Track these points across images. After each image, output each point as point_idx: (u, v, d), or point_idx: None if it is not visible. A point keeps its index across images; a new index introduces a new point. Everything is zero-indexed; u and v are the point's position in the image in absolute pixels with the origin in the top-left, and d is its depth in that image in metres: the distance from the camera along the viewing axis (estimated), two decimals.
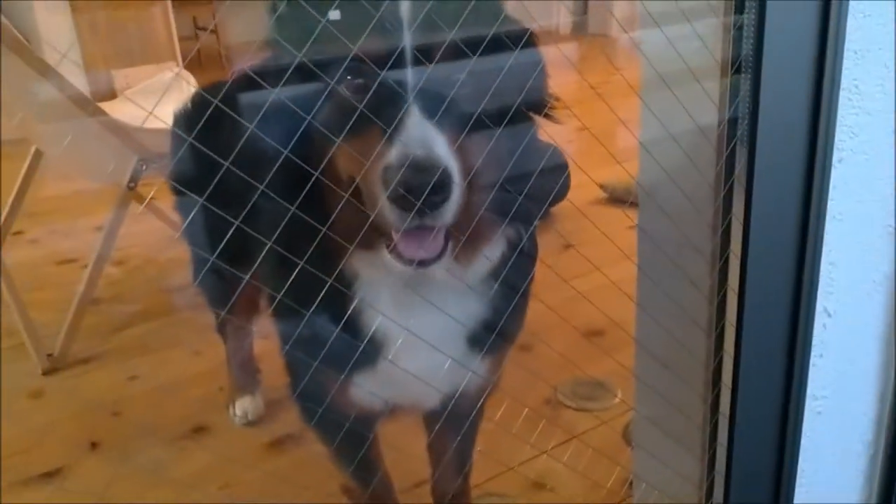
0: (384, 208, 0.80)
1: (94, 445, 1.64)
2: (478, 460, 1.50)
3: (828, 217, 0.93)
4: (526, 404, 1.64)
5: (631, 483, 1.34)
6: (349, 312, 0.97)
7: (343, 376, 1.02)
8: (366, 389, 1.05)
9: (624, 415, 1.63)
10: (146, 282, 2.38)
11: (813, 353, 0.99)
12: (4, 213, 2.28)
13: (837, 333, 1.01)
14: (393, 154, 0.78)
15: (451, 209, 0.81)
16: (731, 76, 0.90)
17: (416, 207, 0.77)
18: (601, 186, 2.70)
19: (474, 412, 1.19)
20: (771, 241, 0.91)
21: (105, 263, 1.99)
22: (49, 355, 1.92)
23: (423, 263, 0.87)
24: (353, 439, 1.18)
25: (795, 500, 1.06)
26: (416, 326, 0.96)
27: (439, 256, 0.88)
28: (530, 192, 0.94)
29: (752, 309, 0.92)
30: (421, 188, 0.76)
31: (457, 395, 1.08)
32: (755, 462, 1.01)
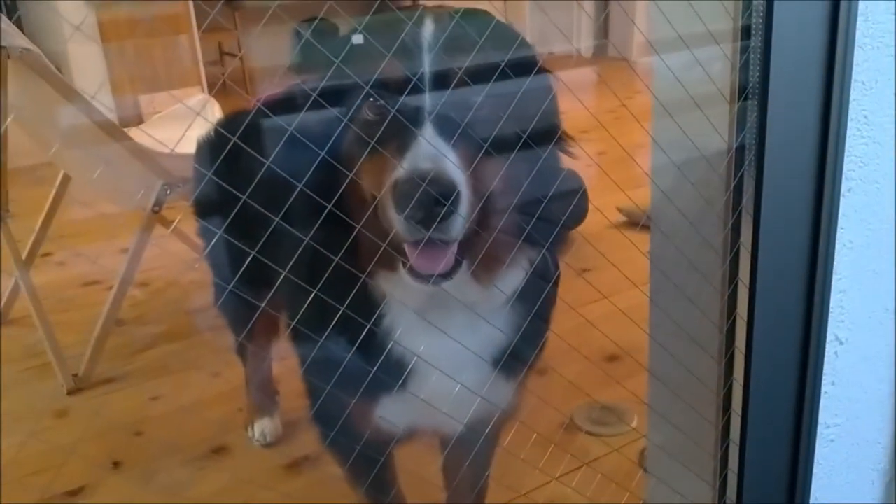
0: (396, 222, 0.82)
1: (116, 465, 1.67)
2: (491, 486, 1.51)
3: (838, 245, 0.94)
4: (541, 429, 1.66)
5: None
6: (371, 336, 0.99)
7: (364, 400, 1.04)
8: (386, 413, 1.07)
9: (640, 440, 1.63)
10: (169, 304, 2.42)
11: (825, 381, 1.00)
12: (33, 237, 2.33)
13: (849, 361, 1.02)
14: (402, 169, 0.81)
15: (458, 223, 0.83)
16: (739, 104, 0.91)
17: (423, 218, 0.80)
18: (619, 210, 2.71)
19: (491, 435, 1.21)
20: (780, 269, 0.92)
21: (129, 286, 2.02)
22: (74, 375, 1.95)
23: (436, 279, 0.89)
24: (368, 460, 1.19)
25: None
26: (437, 350, 0.99)
27: (451, 272, 0.89)
28: (544, 214, 0.95)
29: (762, 336, 0.93)
30: (426, 199, 0.78)
31: (476, 419, 1.09)
32: (767, 488, 1.01)
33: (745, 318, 0.94)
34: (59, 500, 1.57)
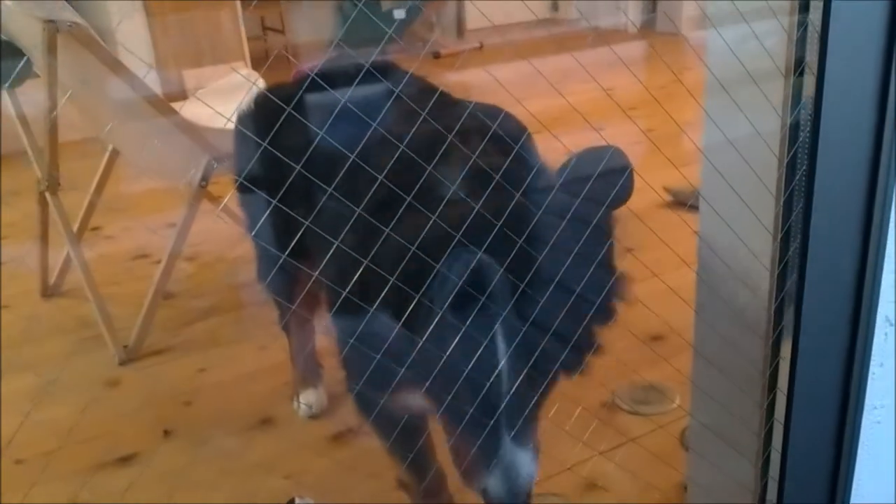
0: None
1: (166, 433, 1.72)
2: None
3: (892, 225, 0.93)
4: (583, 407, 1.67)
5: (685, 487, 1.34)
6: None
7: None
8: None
9: (682, 419, 1.63)
10: (217, 278, 2.46)
11: (873, 363, 0.99)
12: (83, 210, 2.39)
13: None
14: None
15: None
16: (795, 79, 0.90)
17: None
18: (666, 190, 2.68)
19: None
20: (832, 248, 0.91)
21: (177, 259, 2.06)
22: (125, 346, 2.01)
23: None
24: (408, 435, 1.22)
25: None
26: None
27: None
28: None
29: (811, 316, 0.93)
30: None
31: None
32: (810, 468, 1.01)
33: (794, 298, 0.94)
34: (112, 465, 1.63)
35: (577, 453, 1.48)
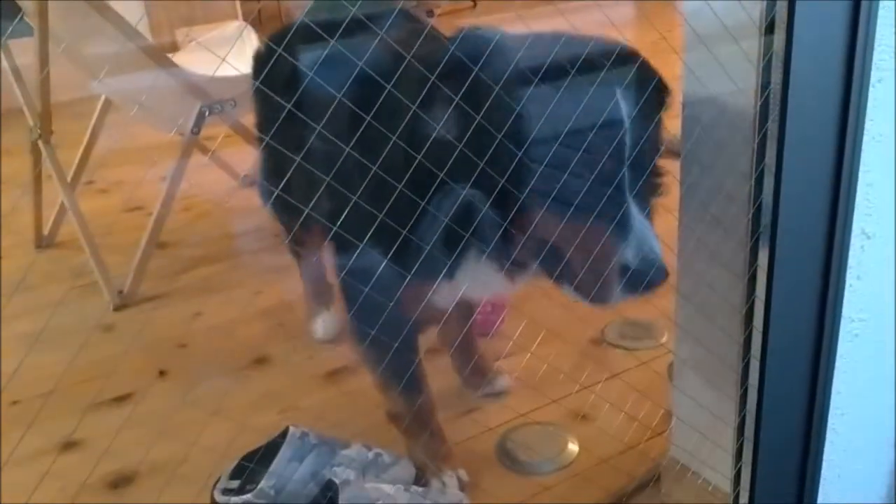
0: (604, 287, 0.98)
1: (162, 373, 1.74)
2: (523, 392, 1.56)
3: (866, 137, 0.94)
4: (573, 343, 1.70)
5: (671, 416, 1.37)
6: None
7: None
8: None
9: (668, 354, 1.66)
10: (210, 227, 2.48)
11: (850, 275, 1.01)
12: (75, 164, 2.39)
13: (876, 256, 1.03)
14: (628, 251, 0.97)
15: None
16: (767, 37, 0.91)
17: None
18: None
19: None
20: (806, 159, 0.93)
21: (170, 207, 2.08)
22: (119, 292, 2.03)
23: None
24: (401, 360, 1.25)
25: (829, 423, 1.09)
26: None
27: None
28: None
29: (786, 229, 0.95)
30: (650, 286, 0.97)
31: None
32: (787, 389, 1.03)
33: (769, 235, 0.96)
34: (108, 405, 1.65)
35: (564, 387, 1.51)
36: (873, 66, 0.91)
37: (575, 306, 1.61)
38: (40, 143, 2.11)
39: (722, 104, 1.02)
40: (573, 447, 1.44)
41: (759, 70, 0.93)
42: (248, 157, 2.61)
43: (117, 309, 2.01)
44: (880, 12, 0.89)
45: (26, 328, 1.90)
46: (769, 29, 0.90)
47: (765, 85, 0.93)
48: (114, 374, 1.76)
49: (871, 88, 0.92)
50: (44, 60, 1.99)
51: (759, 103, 0.93)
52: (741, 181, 1.00)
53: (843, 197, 0.96)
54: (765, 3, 0.90)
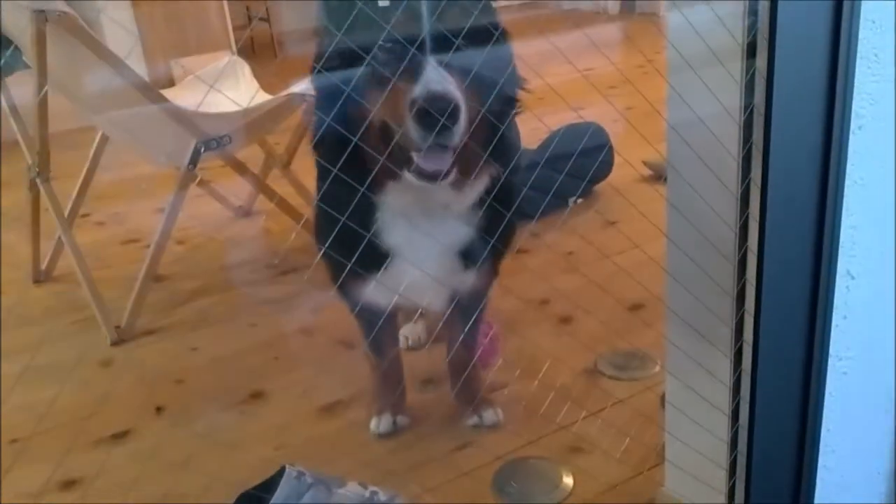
0: (410, 131, 1.08)
1: (159, 409, 1.75)
2: (517, 425, 1.57)
3: (848, 182, 0.96)
4: (566, 374, 1.71)
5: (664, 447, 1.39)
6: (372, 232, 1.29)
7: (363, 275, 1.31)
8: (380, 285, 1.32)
9: (662, 384, 1.68)
10: (206, 260, 2.50)
11: (836, 315, 1.03)
12: (73, 197, 2.41)
13: (861, 296, 1.05)
14: (418, 89, 1.06)
15: (459, 132, 1.10)
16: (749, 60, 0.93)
17: (434, 125, 1.05)
18: (645, 163, 2.72)
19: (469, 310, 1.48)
20: (791, 204, 0.95)
21: (167, 241, 2.10)
22: (117, 327, 2.04)
23: (436, 177, 1.16)
24: (376, 311, 1.42)
25: (820, 460, 1.10)
26: (418, 244, 1.31)
27: (448, 173, 1.16)
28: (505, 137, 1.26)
29: (773, 270, 0.97)
30: (439, 111, 1.05)
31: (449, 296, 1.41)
32: (778, 415, 1.05)
33: (756, 252, 0.98)
34: (107, 442, 1.66)
35: (561, 418, 1.53)
36: (853, 114, 0.93)
37: (566, 337, 1.63)
38: (38, 180, 2.12)
39: (708, 125, 1.03)
40: (568, 481, 1.45)
41: (741, 105, 0.95)
42: (241, 189, 2.63)
43: (115, 344, 2.02)
44: (858, 61, 0.91)
45: (24, 365, 1.91)
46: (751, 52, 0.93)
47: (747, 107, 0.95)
48: (111, 410, 1.77)
49: (851, 136, 0.94)
50: (43, 103, 2.01)
51: (742, 118, 0.96)
52: (726, 231, 1.02)
53: (827, 240, 0.98)
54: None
